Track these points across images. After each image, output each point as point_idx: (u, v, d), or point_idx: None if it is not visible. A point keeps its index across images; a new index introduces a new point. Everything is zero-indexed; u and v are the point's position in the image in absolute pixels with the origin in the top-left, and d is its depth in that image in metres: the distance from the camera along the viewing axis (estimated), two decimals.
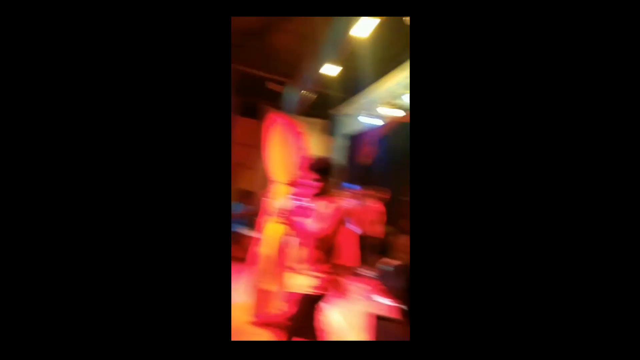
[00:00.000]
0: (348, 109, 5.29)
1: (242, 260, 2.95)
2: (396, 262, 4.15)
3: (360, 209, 5.08)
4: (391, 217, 5.89)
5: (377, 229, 5.08)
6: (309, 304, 1.46)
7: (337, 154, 6.14)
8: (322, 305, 1.51)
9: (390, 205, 5.14)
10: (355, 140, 5.90)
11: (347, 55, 4.23)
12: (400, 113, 3.48)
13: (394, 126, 4.33)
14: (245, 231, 4.96)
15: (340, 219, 1.65)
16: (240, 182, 5.39)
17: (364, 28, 2.86)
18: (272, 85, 5.99)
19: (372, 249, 5.21)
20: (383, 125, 4.21)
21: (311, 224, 1.54)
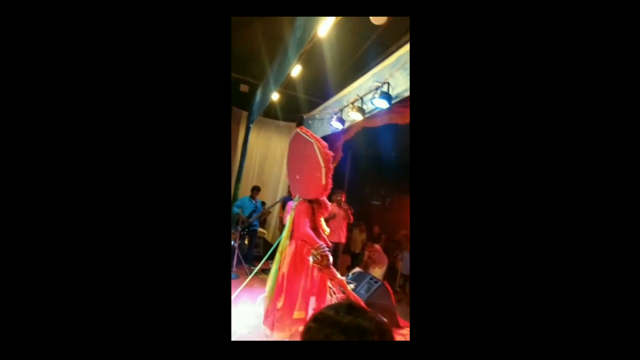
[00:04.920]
0: (317, 112, 5.37)
1: None
2: (357, 270, 4.07)
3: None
4: (360, 221, 6.00)
5: (339, 234, 5.15)
6: None
7: None
8: None
9: (360, 210, 5.22)
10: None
11: (316, 57, 4.29)
12: (360, 117, 3.59)
13: (357, 130, 4.43)
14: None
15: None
16: None
17: (325, 27, 2.73)
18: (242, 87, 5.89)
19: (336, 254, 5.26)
20: (346, 129, 4.32)
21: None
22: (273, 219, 6.32)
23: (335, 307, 0.58)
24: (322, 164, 2.13)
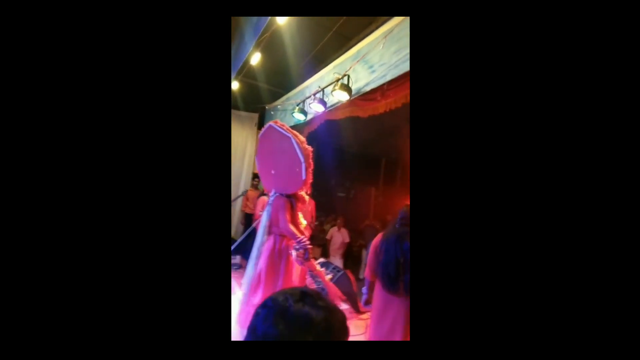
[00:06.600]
0: (279, 103, 5.27)
1: None
2: (321, 260, 4.13)
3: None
4: (326, 212, 6.05)
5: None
6: None
7: None
8: None
9: (326, 202, 5.26)
10: None
11: (277, 46, 4.19)
12: (322, 109, 3.61)
13: (320, 122, 4.47)
14: None
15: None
16: None
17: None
18: None
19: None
20: (309, 121, 4.32)
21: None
22: (235, 213, 6.16)
23: (286, 293, 0.57)
24: (302, 159, 2.12)
